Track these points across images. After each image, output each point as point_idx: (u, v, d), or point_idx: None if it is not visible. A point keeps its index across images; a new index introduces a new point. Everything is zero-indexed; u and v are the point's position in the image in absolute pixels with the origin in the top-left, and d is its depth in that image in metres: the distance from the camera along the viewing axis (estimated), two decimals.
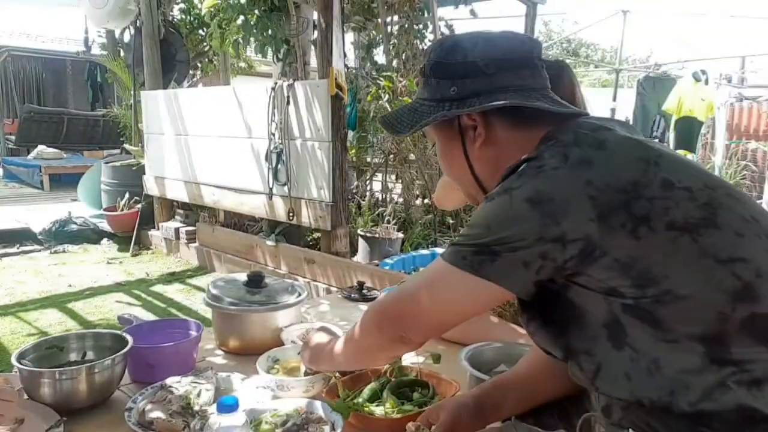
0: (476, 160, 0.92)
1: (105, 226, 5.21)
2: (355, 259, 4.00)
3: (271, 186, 3.81)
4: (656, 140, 4.41)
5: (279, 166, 3.72)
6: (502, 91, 0.86)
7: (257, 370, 1.46)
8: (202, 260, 4.52)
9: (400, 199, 4.93)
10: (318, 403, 1.29)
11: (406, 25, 5.04)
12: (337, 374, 1.40)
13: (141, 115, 5.15)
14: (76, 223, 5.18)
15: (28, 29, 11.61)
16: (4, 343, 2.87)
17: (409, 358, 1.65)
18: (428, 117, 0.90)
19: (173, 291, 3.84)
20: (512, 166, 0.82)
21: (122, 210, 5.14)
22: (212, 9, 4.73)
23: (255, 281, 1.84)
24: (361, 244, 4.15)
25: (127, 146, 5.87)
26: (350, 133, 4.58)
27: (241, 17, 4.54)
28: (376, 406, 1.30)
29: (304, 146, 3.62)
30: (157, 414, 1.28)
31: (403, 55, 4.97)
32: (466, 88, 0.87)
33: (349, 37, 5.82)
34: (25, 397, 1.41)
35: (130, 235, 4.89)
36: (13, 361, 1.37)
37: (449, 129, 0.92)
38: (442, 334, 1.50)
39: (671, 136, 7.37)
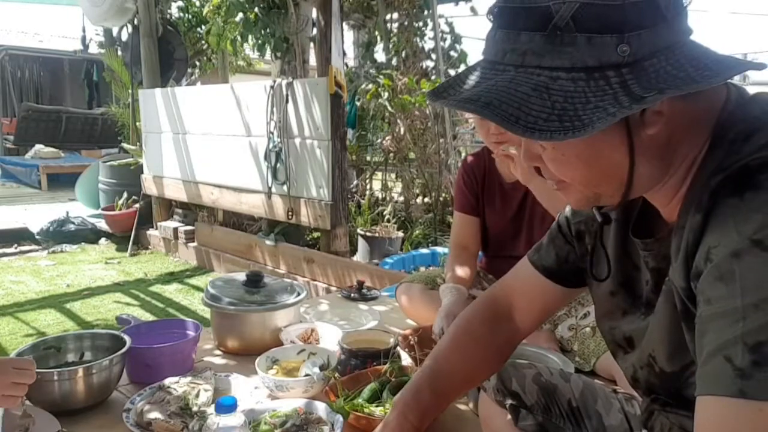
0: (643, 153, 0.63)
1: (103, 225, 5.19)
2: (354, 258, 3.99)
3: (270, 185, 3.79)
4: None
5: (278, 165, 3.71)
6: (680, 44, 0.59)
7: (256, 370, 1.45)
8: (200, 260, 4.50)
9: (400, 198, 4.92)
10: (317, 404, 1.28)
11: (406, 23, 5.03)
12: (337, 374, 1.39)
13: (139, 113, 5.13)
14: (74, 223, 5.17)
15: (26, 27, 11.60)
16: (2, 344, 2.86)
17: (409, 358, 1.64)
18: (586, 101, 0.56)
19: (172, 291, 3.83)
20: (738, 168, 0.58)
21: (120, 209, 5.12)
22: (213, 7, 4.73)
23: (254, 281, 1.83)
24: (361, 243, 4.14)
25: (125, 145, 5.86)
26: (350, 132, 4.57)
27: (240, 14, 4.54)
28: (376, 406, 1.29)
29: (303, 145, 3.61)
30: (155, 415, 1.27)
31: (403, 53, 4.96)
32: (643, 45, 0.57)
33: (349, 35, 5.82)
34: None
35: (129, 235, 4.87)
36: None
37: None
38: None
39: None
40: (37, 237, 5.03)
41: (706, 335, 0.56)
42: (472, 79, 0.63)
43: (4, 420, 1.19)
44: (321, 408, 1.26)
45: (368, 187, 5.08)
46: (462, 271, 1.77)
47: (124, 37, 5.62)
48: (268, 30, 4.68)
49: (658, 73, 0.57)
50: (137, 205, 5.01)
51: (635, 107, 0.56)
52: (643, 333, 0.76)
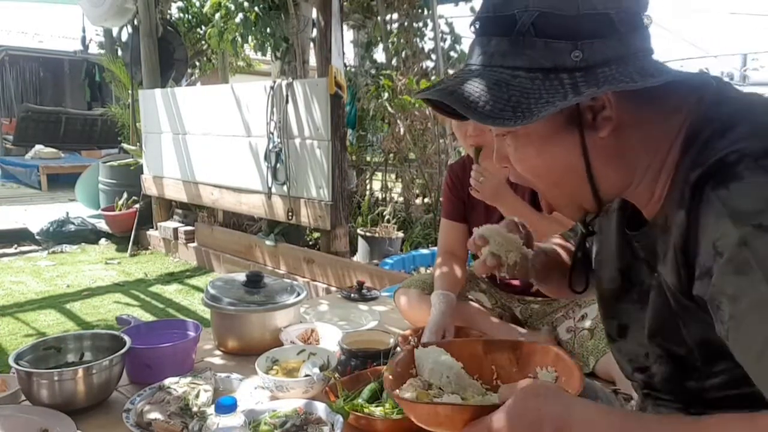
0: (598, 155, 0.69)
1: (103, 226, 5.20)
2: (354, 258, 3.99)
3: (270, 185, 3.80)
4: None
5: (278, 165, 3.71)
6: (634, 57, 0.65)
7: (256, 370, 1.45)
8: (200, 260, 4.51)
9: (400, 199, 4.92)
10: (317, 404, 1.28)
11: (406, 23, 5.03)
12: (337, 375, 1.39)
13: (139, 114, 5.13)
14: (74, 224, 5.17)
15: (26, 28, 11.61)
16: (2, 344, 2.86)
17: None
18: (539, 97, 0.63)
19: (172, 291, 3.83)
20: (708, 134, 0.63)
21: (120, 210, 5.13)
22: (213, 7, 4.73)
23: (254, 281, 1.83)
24: (361, 243, 4.14)
25: (125, 145, 5.86)
26: (350, 132, 4.57)
27: (241, 15, 4.54)
28: (376, 406, 1.29)
29: (303, 145, 3.61)
30: (155, 415, 1.27)
31: (403, 53, 4.96)
32: (595, 52, 0.64)
33: (349, 35, 5.82)
34: (23, 398, 1.40)
35: (129, 235, 4.88)
36: (11, 362, 1.36)
37: (557, 113, 0.65)
38: None
39: None
40: (37, 237, 5.03)
41: (746, 334, 0.56)
42: (451, 78, 0.71)
43: None
44: (321, 408, 1.26)
45: (368, 187, 5.08)
46: (451, 277, 1.77)
47: (124, 37, 5.63)
48: (268, 30, 4.68)
49: (607, 79, 0.64)
50: (137, 206, 5.01)
51: (573, 100, 0.63)
52: (637, 319, 0.78)
